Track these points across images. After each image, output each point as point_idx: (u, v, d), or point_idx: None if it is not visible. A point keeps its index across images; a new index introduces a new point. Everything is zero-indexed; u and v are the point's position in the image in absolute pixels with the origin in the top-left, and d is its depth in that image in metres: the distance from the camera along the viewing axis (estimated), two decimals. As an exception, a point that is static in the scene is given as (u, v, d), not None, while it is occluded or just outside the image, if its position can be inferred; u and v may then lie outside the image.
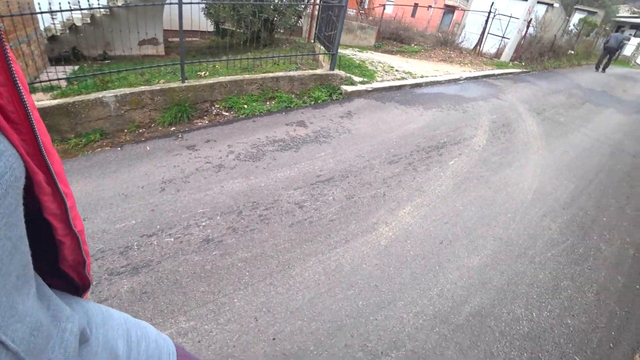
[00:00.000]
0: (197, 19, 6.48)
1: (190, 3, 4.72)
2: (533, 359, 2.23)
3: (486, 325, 2.36)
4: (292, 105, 5.09)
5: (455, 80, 7.80)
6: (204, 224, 3.03)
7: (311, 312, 2.35)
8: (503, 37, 12.02)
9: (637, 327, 2.59)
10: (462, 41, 12.90)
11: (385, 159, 4.08)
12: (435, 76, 7.61)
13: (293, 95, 5.33)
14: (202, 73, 5.17)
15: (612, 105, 8.77)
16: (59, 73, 4.44)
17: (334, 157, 4.00)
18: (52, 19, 4.64)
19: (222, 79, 4.83)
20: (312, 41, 7.78)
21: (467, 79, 8.10)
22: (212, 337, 2.20)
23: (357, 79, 6.17)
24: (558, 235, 3.30)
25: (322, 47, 6.26)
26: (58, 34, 5.72)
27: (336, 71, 5.72)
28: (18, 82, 0.43)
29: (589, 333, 2.45)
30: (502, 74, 9.40)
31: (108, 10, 5.79)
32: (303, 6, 7.68)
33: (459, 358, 2.17)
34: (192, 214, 3.12)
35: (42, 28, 5.36)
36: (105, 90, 4.43)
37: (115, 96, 4.32)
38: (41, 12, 4.04)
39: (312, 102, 5.30)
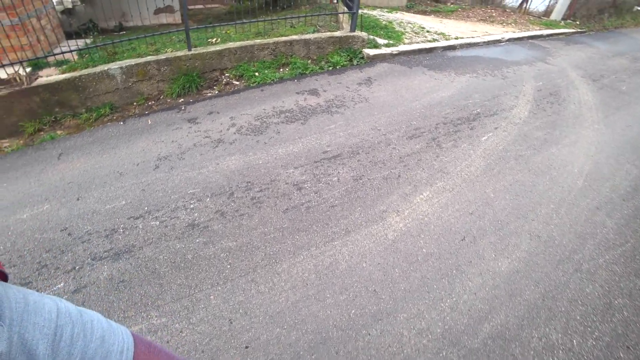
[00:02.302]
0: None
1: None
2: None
3: (509, 352, 1.77)
4: (307, 72, 4.44)
5: (495, 42, 6.61)
6: (192, 206, 2.62)
7: (293, 319, 1.90)
8: (555, -9, 10.24)
9: None
10: (506, -2, 11.19)
11: (405, 133, 3.39)
12: (472, 37, 6.47)
13: (309, 61, 4.66)
14: (214, 40, 4.63)
15: (689, 68, 7.17)
16: (72, 46, 4.11)
17: (345, 129, 3.38)
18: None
19: (231, 45, 4.26)
20: (335, 1, 6.90)
21: (509, 40, 6.83)
22: (182, 337, 1.85)
23: (381, 41, 5.32)
24: (615, 235, 2.52)
25: (345, 7, 5.43)
26: (70, 6, 5.37)
27: (357, 33, 4.92)
28: None
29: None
30: (551, 35, 7.89)
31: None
32: None
33: (470, 392, 1.63)
34: (181, 195, 2.72)
35: (53, 1, 5.02)
36: (111, 62, 4.05)
37: (121, 68, 3.92)
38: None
39: (330, 68, 4.60)
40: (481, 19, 8.41)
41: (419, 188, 2.74)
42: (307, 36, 4.64)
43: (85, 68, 3.97)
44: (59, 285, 2.16)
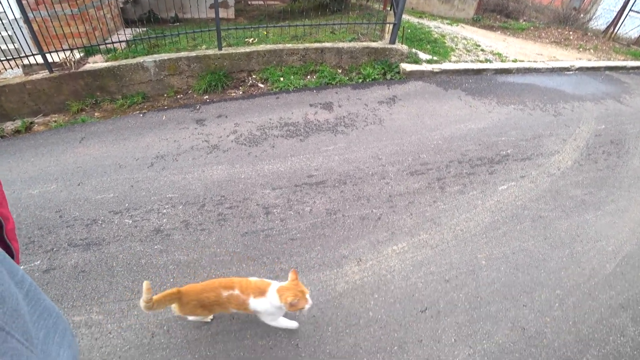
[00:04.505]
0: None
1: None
2: None
3: None
4: (334, 82, 4.17)
5: (561, 70, 5.50)
6: (164, 211, 2.61)
7: (206, 352, 1.77)
8: (653, 16, 8.28)
9: None
10: (591, 19, 9.31)
11: (408, 167, 2.98)
12: (535, 61, 5.48)
13: (340, 71, 4.38)
14: (251, 40, 4.60)
15: None
16: (127, 35, 4.40)
17: (342, 154, 3.08)
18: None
19: (260, 47, 4.17)
20: (388, 9, 6.42)
21: (580, 69, 5.64)
22: (108, 339, 1.85)
23: (424, 56, 4.79)
24: (635, 350, 1.92)
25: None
26: (133, -3, 5.77)
27: (397, 45, 4.48)
28: None
29: None
30: (637, 68, 6.39)
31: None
32: None
33: None
34: (160, 198, 2.72)
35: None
36: (149, 55, 4.24)
37: (155, 61, 4.08)
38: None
39: (360, 80, 4.27)
40: (554, 41, 7.18)
41: (396, 237, 2.37)
42: (340, 44, 4.36)
43: (125, 58, 4.21)
44: (36, 263, 2.28)
